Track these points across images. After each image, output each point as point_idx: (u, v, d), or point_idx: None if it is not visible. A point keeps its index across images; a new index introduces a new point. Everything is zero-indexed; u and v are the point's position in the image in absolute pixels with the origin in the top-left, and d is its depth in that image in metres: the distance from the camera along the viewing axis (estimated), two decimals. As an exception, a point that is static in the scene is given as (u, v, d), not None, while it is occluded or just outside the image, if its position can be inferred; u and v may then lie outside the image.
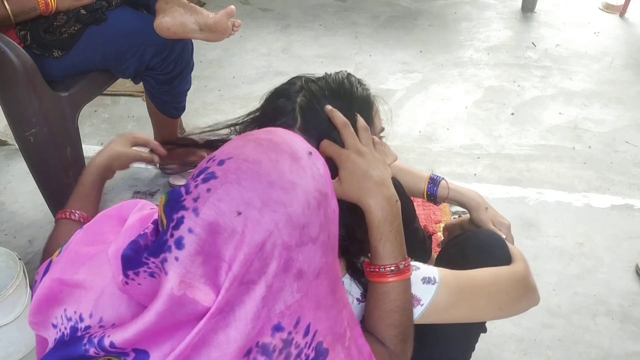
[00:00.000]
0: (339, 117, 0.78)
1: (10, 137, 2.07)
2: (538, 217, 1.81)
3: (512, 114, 2.29)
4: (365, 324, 0.80)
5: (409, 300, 0.78)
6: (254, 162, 0.59)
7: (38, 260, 1.67)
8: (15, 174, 2.00)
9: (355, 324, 0.72)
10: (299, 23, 2.97)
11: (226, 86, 2.47)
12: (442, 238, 1.24)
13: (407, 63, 2.63)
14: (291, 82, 0.84)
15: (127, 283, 0.59)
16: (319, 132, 0.79)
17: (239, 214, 0.57)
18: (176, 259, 0.56)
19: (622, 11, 3.02)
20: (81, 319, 0.64)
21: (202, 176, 0.59)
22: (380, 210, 0.76)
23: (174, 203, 0.58)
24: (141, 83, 1.70)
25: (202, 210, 0.56)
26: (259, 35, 2.85)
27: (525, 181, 1.95)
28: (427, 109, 2.33)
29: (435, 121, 2.26)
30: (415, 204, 1.27)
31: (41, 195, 1.62)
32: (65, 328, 0.64)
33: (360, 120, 0.80)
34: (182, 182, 1.90)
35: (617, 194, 1.90)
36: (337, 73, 0.85)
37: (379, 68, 2.60)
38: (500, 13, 3.06)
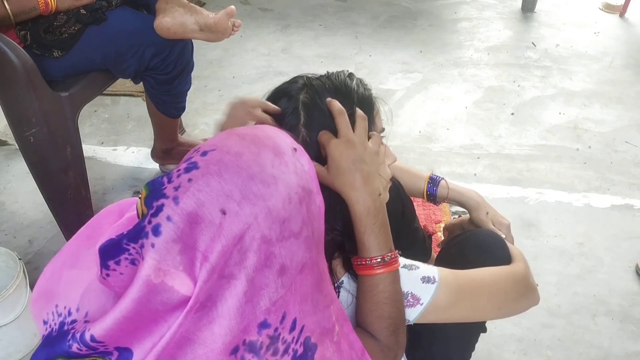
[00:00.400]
0: (336, 105, 0.78)
1: (10, 137, 2.07)
2: (538, 217, 1.81)
3: (512, 114, 2.29)
4: (357, 318, 0.80)
5: (399, 292, 0.79)
6: (235, 154, 0.59)
7: (38, 261, 1.68)
8: (15, 174, 2.00)
9: (345, 319, 0.72)
10: (299, 23, 2.97)
11: (226, 86, 2.47)
12: (442, 238, 1.24)
13: (407, 63, 2.63)
14: (293, 80, 0.84)
15: (108, 275, 0.59)
16: (322, 128, 0.79)
17: (223, 213, 0.57)
18: (152, 245, 0.56)
19: (622, 11, 3.02)
20: (69, 314, 0.64)
21: (184, 165, 0.60)
22: (362, 203, 0.76)
23: (155, 192, 0.58)
24: (141, 83, 1.70)
25: (182, 200, 0.57)
26: (259, 35, 2.85)
27: (525, 181, 1.95)
28: (427, 109, 2.33)
29: (435, 121, 2.26)
30: (415, 204, 1.27)
31: (41, 195, 1.62)
32: (55, 324, 0.65)
33: (359, 111, 0.80)
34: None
35: (617, 194, 1.90)
36: (339, 72, 0.85)
37: (379, 68, 2.60)
38: (500, 13, 3.06)
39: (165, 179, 0.59)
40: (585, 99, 2.38)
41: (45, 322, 0.66)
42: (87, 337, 0.58)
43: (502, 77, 2.52)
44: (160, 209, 0.57)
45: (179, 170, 0.59)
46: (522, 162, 2.04)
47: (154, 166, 2.01)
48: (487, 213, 1.13)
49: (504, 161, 2.05)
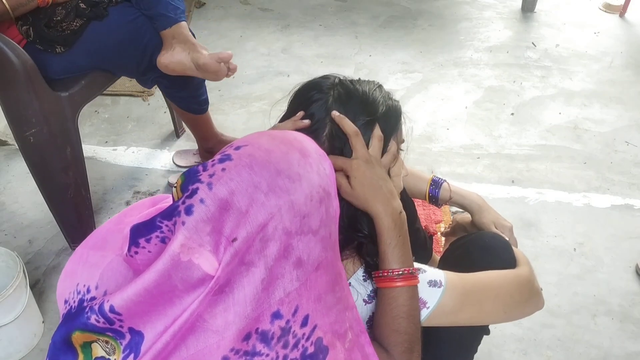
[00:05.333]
0: (348, 124, 0.80)
1: (10, 137, 2.07)
2: (538, 217, 1.81)
3: (512, 114, 2.29)
4: (374, 331, 0.81)
5: (417, 308, 0.79)
6: (266, 151, 0.64)
7: (38, 261, 1.68)
8: (15, 174, 2.00)
9: (362, 330, 0.73)
10: (299, 23, 2.97)
11: (226, 86, 2.47)
12: (443, 235, 1.25)
13: (407, 63, 2.63)
14: (325, 77, 0.87)
15: (137, 252, 0.63)
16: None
17: (251, 202, 0.60)
18: (183, 223, 0.60)
19: (622, 11, 3.02)
20: (88, 291, 0.68)
21: (219, 157, 0.64)
22: (390, 216, 0.79)
23: (190, 177, 0.63)
24: (142, 85, 1.69)
25: (215, 186, 0.61)
26: (259, 35, 2.85)
27: (525, 181, 1.95)
28: (427, 109, 2.33)
29: (435, 121, 2.26)
30: (415, 204, 1.27)
31: (41, 195, 1.62)
32: (74, 301, 0.68)
33: (377, 131, 0.82)
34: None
35: (617, 194, 1.90)
36: (369, 81, 0.88)
37: (379, 68, 2.59)
38: (500, 13, 3.06)
39: (200, 167, 0.64)
40: (585, 99, 2.38)
41: (66, 302, 0.69)
42: (106, 307, 0.61)
43: (502, 77, 2.52)
44: (195, 192, 0.61)
45: (214, 160, 0.64)
46: (522, 162, 2.04)
47: (154, 166, 2.01)
48: (489, 215, 1.13)
49: (504, 161, 2.05)
